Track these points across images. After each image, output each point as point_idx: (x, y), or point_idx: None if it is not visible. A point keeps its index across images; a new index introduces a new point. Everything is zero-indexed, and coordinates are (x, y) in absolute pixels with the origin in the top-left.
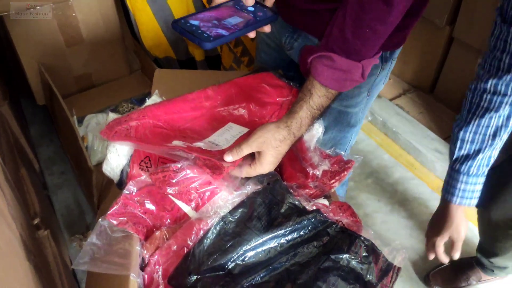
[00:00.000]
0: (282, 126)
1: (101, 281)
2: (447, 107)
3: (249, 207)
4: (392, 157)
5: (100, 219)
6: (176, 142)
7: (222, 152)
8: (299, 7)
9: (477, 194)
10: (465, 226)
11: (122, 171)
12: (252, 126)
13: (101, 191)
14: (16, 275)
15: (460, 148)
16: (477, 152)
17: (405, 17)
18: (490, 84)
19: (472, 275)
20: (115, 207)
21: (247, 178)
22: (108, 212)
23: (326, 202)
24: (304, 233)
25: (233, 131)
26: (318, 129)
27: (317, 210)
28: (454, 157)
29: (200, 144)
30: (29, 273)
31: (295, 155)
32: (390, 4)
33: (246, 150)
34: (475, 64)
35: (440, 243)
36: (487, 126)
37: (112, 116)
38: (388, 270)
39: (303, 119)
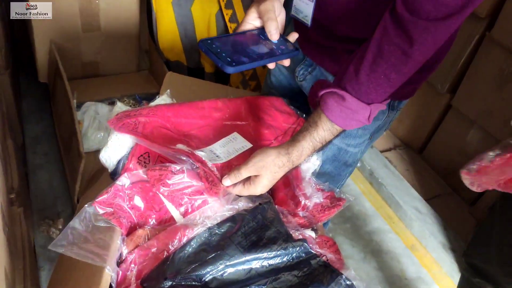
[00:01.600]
0: (282, 153)
1: (73, 269)
2: (433, 169)
3: (237, 223)
4: (373, 206)
5: (86, 205)
6: (180, 146)
7: (223, 166)
8: (320, 43)
9: None
10: None
11: (119, 162)
12: (255, 145)
13: (85, 179)
14: None
15: None
16: None
17: (418, 71)
18: None
19: None
20: (105, 195)
21: (239, 195)
22: (96, 199)
23: (313, 234)
24: (287, 259)
25: (237, 144)
26: (315, 161)
27: (304, 240)
28: None
29: (201, 153)
30: (2, 244)
31: (290, 182)
32: (408, 55)
33: (244, 174)
34: (467, 133)
35: None
36: None
37: (119, 106)
38: None
39: (304, 149)
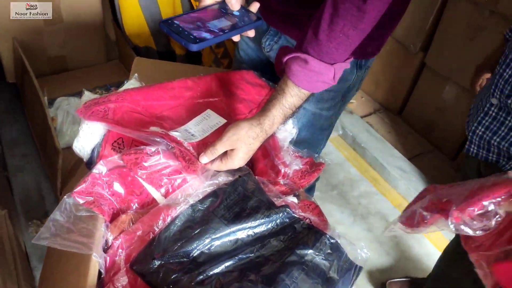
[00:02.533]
0: (255, 124)
1: (61, 260)
2: (413, 129)
3: (219, 197)
4: (359, 171)
5: (65, 196)
6: (154, 128)
7: (199, 144)
8: (281, 11)
9: None
10: None
11: (93, 150)
12: (229, 120)
13: (65, 174)
14: None
15: None
16: None
17: (378, 28)
18: None
19: None
20: (83, 185)
21: (218, 171)
22: (75, 190)
23: (295, 199)
24: (271, 226)
25: (211, 121)
26: (292, 130)
27: (286, 206)
28: None
29: (176, 133)
30: None
31: (269, 153)
32: (363, 11)
33: (220, 149)
34: (443, 90)
35: None
36: None
37: (87, 94)
38: (350, 269)
39: (275, 117)
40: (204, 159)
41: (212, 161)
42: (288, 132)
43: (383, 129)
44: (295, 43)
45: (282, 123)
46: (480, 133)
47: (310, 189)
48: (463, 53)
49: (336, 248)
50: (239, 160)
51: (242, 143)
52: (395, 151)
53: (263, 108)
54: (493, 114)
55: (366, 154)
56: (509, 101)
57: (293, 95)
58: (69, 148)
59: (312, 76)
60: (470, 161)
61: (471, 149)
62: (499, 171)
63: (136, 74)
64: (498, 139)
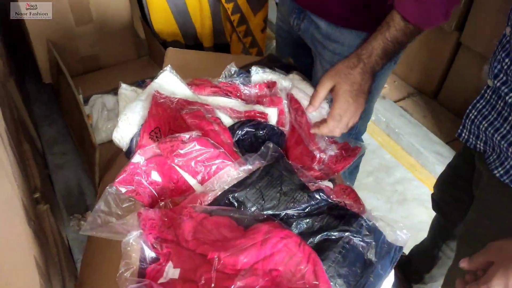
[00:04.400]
0: (351, 56)
1: (102, 248)
2: (450, 112)
3: (252, 182)
4: (394, 157)
5: (107, 187)
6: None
7: None
8: None
9: None
10: None
11: (131, 140)
12: None
13: (103, 169)
14: (15, 232)
15: None
16: None
17: None
18: None
19: None
20: (123, 175)
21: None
22: (116, 180)
23: (330, 184)
24: (304, 209)
25: None
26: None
27: (320, 190)
28: None
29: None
30: (29, 236)
31: (303, 140)
32: None
33: (321, 90)
34: (480, 70)
35: None
36: None
37: (124, 87)
38: (389, 251)
39: (374, 48)
40: (310, 108)
41: (320, 126)
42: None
43: (418, 113)
44: (319, 21)
45: (382, 58)
46: (473, 117)
47: (352, 175)
48: (500, 30)
49: (373, 230)
50: (344, 95)
51: (341, 73)
52: (431, 136)
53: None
54: (488, 97)
55: (401, 140)
56: (496, 81)
57: (398, 29)
58: (105, 144)
59: (422, 7)
60: (465, 151)
61: (463, 134)
62: (488, 168)
63: (169, 65)
64: (486, 124)
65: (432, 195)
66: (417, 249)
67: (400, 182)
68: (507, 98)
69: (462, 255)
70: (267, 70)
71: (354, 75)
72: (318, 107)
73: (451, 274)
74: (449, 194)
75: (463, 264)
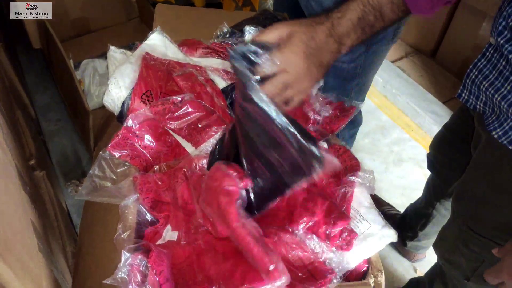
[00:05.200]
0: (321, 13)
1: (100, 211)
2: (448, 71)
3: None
4: (390, 118)
5: (101, 152)
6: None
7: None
8: None
9: None
10: None
11: (123, 104)
12: None
13: (97, 134)
14: (10, 198)
15: None
16: None
17: None
18: None
19: None
20: (116, 139)
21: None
22: (109, 144)
23: (325, 144)
24: None
25: None
26: None
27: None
28: None
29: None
30: (25, 201)
31: None
32: None
33: (271, 28)
34: (480, 28)
35: None
36: None
37: (113, 49)
38: None
39: (349, 9)
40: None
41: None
42: None
43: (415, 73)
44: None
45: (355, 27)
46: (473, 76)
47: (351, 137)
48: None
49: None
50: (295, 48)
51: (301, 24)
52: (428, 95)
53: None
54: (489, 55)
55: (398, 100)
56: (499, 39)
57: None
58: (98, 109)
59: None
60: (463, 111)
61: (463, 95)
62: (486, 129)
63: (159, 27)
64: (486, 85)
65: (428, 155)
66: (411, 208)
67: (396, 143)
68: (510, 56)
69: (457, 214)
70: (261, 29)
71: (317, 31)
72: (257, 40)
73: (445, 232)
74: (445, 154)
75: (494, 251)
